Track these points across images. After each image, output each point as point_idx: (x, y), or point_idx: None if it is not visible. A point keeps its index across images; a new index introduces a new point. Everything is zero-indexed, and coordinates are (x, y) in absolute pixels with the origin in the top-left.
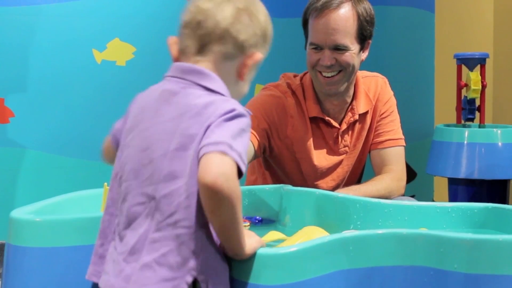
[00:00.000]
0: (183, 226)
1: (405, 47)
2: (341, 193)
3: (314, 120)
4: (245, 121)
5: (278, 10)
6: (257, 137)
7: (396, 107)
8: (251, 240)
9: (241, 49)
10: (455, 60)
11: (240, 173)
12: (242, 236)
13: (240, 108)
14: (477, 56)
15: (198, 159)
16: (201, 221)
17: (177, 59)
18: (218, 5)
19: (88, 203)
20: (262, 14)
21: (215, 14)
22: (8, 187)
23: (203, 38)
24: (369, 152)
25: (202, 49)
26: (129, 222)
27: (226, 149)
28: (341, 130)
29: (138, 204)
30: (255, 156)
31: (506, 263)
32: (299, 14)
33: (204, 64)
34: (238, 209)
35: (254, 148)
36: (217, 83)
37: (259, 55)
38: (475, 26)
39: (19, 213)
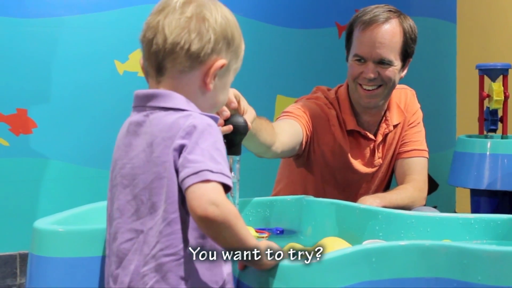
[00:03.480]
0: (167, 255)
1: (427, 57)
2: (367, 200)
3: (351, 133)
4: (211, 131)
5: (303, 21)
6: (306, 128)
7: (422, 120)
8: (264, 247)
9: (196, 59)
10: (477, 70)
11: (227, 188)
12: (252, 244)
13: (199, 120)
14: (499, 67)
15: (184, 192)
16: (186, 247)
17: None
18: (166, 17)
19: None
20: (219, 16)
21: (164, 28)
22: (31, 197)
23: (157, 56)
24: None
25: (159, 68)
26: (120, 261)
27: (207, 175)
28: (377, 142)
29: (127, 241)
30: (300, 147)
31: None
32: (324, 24)
33: (164, 84)
34: (238, 226)
35: (302, 132)
36: (176, 100)
37: (220, 62)
38: (497, 37)
39: (42, 223)
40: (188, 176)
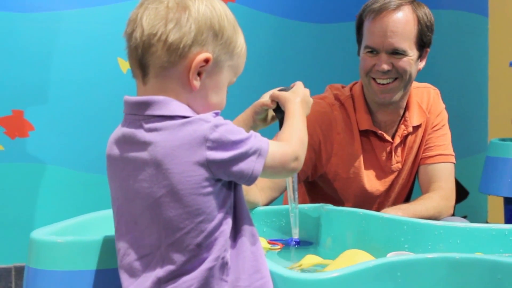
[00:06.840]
0: (190, 270)
1: (456, 54)
2: (388, 213)
3: (364, 133)
4: (225, 129)
5: (320, 15)
6: None
7: (447, 121)
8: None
9: (175, 52)
10: (511, 68)
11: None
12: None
13: (208, 128)
14: None
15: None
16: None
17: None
18: (145, 10)
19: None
20: (204, 6)
21: (142, 21)
22: (28, 206)
23: (137, 52)
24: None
25: (142, 66)
26: (133, 278)
27: (257, 163)
28: (394, 145)
29: (141, 257)
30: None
31: None
32: (344, 18)
33: (150, 86)
34: (298, 153)
35: None
36: (170, 107)
37: (204, 55)
38: None
39: (40, 234)
40: (246, 182)
